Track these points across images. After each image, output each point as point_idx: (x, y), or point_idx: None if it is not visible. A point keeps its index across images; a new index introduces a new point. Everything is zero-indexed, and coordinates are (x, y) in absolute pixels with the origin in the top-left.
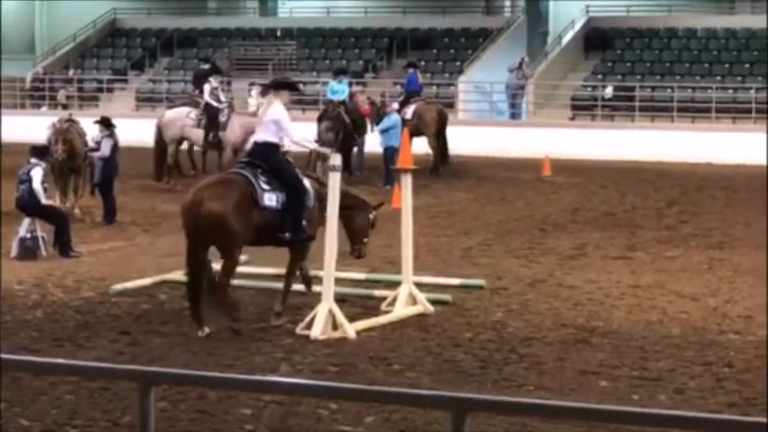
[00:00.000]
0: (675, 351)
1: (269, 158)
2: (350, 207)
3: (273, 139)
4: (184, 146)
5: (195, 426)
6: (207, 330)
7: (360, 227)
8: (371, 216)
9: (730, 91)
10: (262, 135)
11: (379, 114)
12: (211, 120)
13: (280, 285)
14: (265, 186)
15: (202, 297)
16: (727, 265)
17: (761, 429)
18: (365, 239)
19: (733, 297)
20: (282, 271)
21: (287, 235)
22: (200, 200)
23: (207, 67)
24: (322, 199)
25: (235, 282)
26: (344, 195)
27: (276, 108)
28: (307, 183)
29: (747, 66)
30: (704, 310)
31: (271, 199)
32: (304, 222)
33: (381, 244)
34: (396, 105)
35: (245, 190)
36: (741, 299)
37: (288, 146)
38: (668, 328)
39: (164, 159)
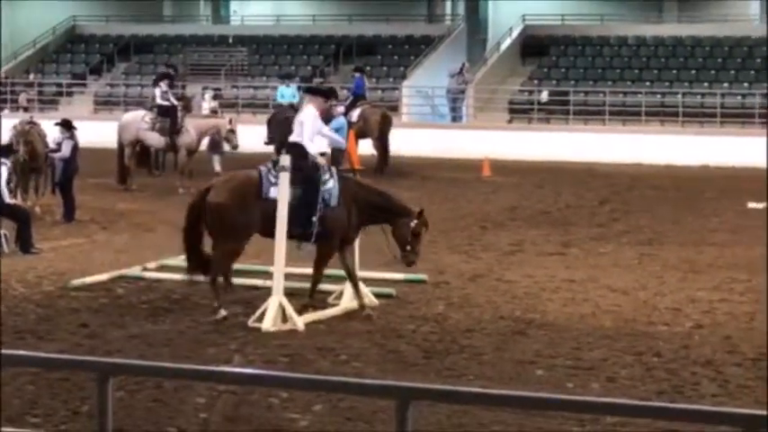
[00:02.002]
0: (607, 342)
1: (295, 157)
2: (390, 212)
3: (299, 139)
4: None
5: (152, 414)
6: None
7: (400, 234)
8: (412, 224)
9: (658, 95)
10: (292, 136)
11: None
12: (168, 119)
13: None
14: (275, 180)
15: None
16: (657, 261)
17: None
18: (407, 247)
19: (661, 291)
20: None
21: (296, 229)
22: (206, 191)
23: (165, 71)
24: (357, 201)
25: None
26: (387, 199)
27: (306, 112)
28: (332, 183)
29: (675, 72)
30: (634, 303)
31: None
32: (314, 219)
33: None
34: (342, 109)
35: (252, 184)
36: (669, 292)
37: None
38: (601, 321)
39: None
